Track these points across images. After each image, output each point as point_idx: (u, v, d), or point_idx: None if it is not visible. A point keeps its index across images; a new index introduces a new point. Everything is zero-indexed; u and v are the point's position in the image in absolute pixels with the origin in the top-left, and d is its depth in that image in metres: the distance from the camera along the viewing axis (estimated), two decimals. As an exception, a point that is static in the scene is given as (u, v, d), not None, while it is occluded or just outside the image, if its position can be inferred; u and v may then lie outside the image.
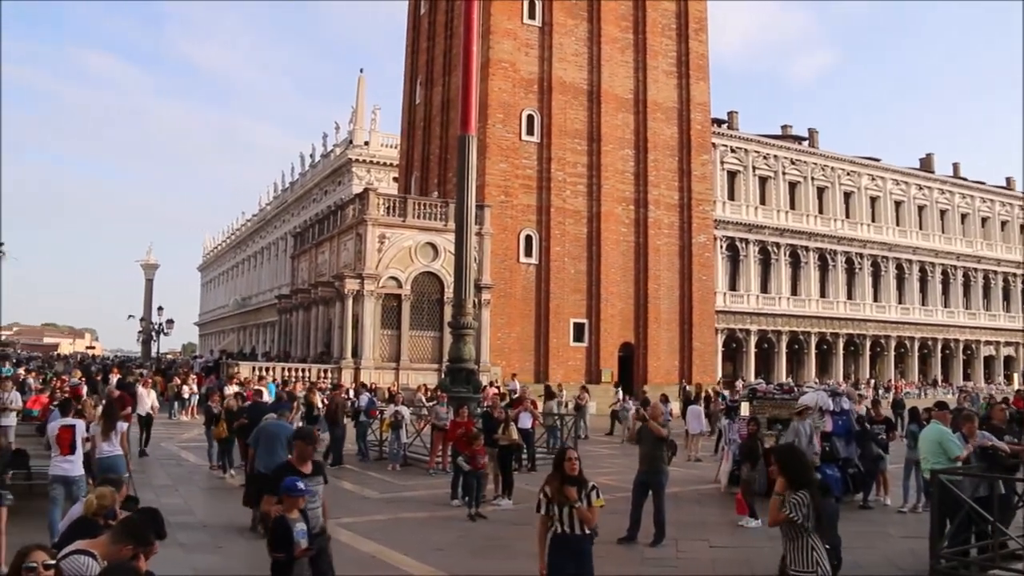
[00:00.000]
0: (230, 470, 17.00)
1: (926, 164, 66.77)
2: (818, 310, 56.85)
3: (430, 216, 36.40)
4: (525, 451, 18.32)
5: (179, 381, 32.70)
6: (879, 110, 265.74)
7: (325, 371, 34.34)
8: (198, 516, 12.91)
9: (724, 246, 52.84)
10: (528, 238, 39.75)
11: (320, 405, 22.56)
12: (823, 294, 57.70)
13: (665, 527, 11.22)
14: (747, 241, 53.93)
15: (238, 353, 57.55)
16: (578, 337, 40.57)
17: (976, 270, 65.42)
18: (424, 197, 39.37)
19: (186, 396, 31.57)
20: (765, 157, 55.70)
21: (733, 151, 54.24)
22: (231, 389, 23.71)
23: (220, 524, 12.21)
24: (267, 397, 21.79)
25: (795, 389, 19.63)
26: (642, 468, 11.61)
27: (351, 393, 25.88)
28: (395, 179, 53.82)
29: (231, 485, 15.60)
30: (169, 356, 75.62)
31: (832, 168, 58.82)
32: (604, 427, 29.65)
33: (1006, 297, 67.45)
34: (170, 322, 49.65)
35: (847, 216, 59.30)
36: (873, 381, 55.38)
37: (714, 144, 50.17)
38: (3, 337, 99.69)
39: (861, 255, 59.18)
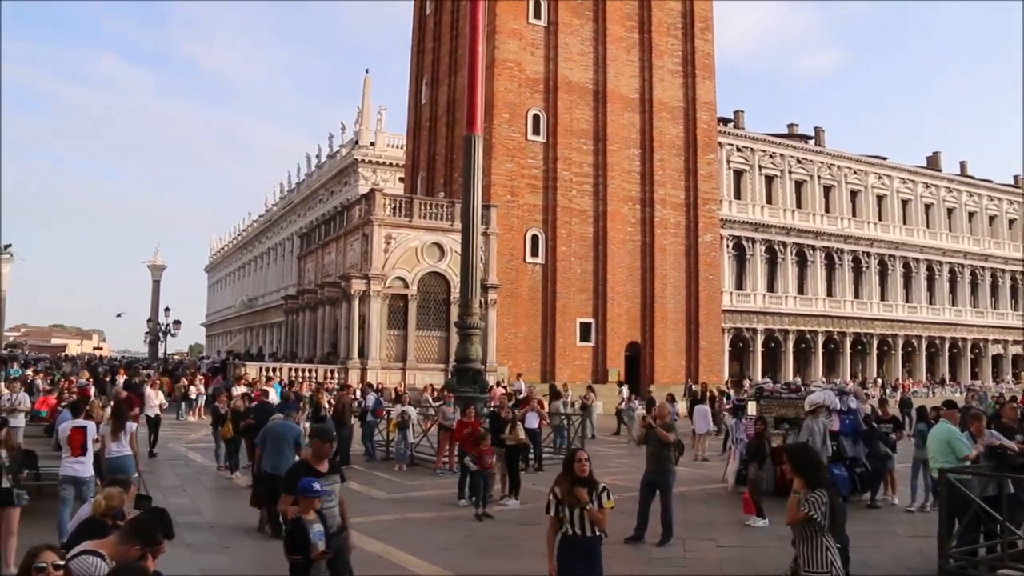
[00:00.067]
0: (237, 471, 17.03)
1: (933, 162, 66.62)
2: (825, 309, 56.73)
3: (436, 216, 36.41)
4: (532, 451, 18.31)
5: (186, 382, 32.80)
6: (885, 108, 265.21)
7: (332, 371, 34.38)
8: (205, 516, 12.94)
9: (730, 245, 52.77)
10: (534, 238, 39.75)
11: (327, 405, 22.57)
12: (830, 293, 57.59)
13: (672, 527, 11.21)
14: (753, 240, 53.85)
15: (245, 354, 57.66)
16: (584, 337, 40.55)
17: (984, 268, 65.24)
18: (430, 197, 39.37)
19: (193, 397, 31.66)
20: (771, 156, 55.61)
21: (739, 150, 54.18)
22: (239, 390, 23.74)
23: (227, 524, 12.24)
24: (273, 397, 21.90)
25: (802, 388, 19.60)
26: (649, 468, 11.60)
27: (358, 393, 25.91)
28: (401, 179, 53.85)
29: (238, 485, 15.63)
30: (176, 357, 75.81)
31: (839, 167, 58.69)
32: (611, 427, 29.65)
33: (1014, 295, 67.24)
34: (177, 323, 49.72)
35: (854, 215, 59.18)
36: (880, 380, 55.21)
37: (720, 143, 50.15)
38: (11, 338, 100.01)
39: (868, 254, 59.06)
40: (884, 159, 62.01)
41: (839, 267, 57.89)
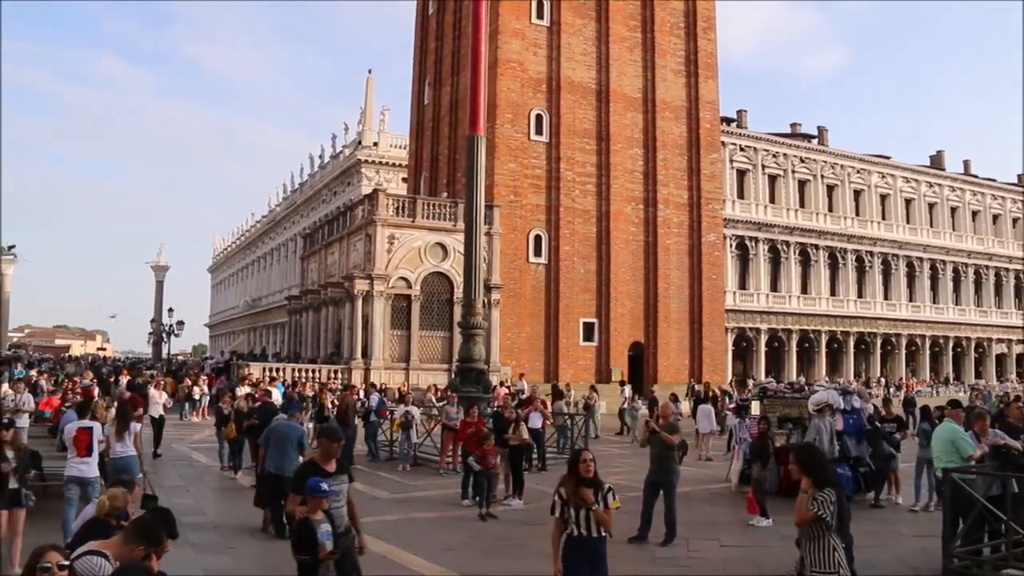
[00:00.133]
0: (239, 471, 17.06)
1: (936, 161, 66.54)
2: (828, 308, 56.67)
3: (439, 216, 36.41)
4: (535, 451, 18.32)
5: (190, 382, 32.82)
6: (889, 108, 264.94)
7: (335, 372, 34.40)
8: (209, 517, 12.95)
9: (734, 245, 52.73)
10: (537, 238, 39.75)
11: (330, 406, 22.62)
12: (833, 292, 57.54)
13: (676, 526, 11.21)
14: (757, 240, 53.80)
15: (248, 354, 57.74)
16: (588, 337, 40.54)
17: (987, 267, 65.15)
18: (433, 197, 39.38)
19: (197, 397, 31.69)
20: (774, 155, 55.56)
21: (742, 149, 54.13)
22: (243, 390, 23.78)
23: (231, 525, 12.26)
24: (276, 398, 21.94)
25: (806, 388, 19.58)
26: (653, 468, 11.60)
27: (361, 394, 25.93)
28: (404, 180, 53.88)
29: (242, 486, 15.64)
30: (180, 357, 75.91)
31: (842, 166, 58.64)
32: (615, 426, 29.65)
33: (1017, 294, 67.13)
34: (180, 323, 49.78)
35: (857, 214, 59.11)
36: (884, 380, 55.15)
37: (723, 143, 50.10)
38: (15, 339, 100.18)
39: (871, 253, 59.00)
40: (887, 158, 61.93)
41: (842, 266, 57.83)
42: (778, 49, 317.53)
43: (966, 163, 68.61)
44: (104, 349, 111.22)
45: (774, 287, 54.99)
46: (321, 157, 71.90)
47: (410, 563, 9.99)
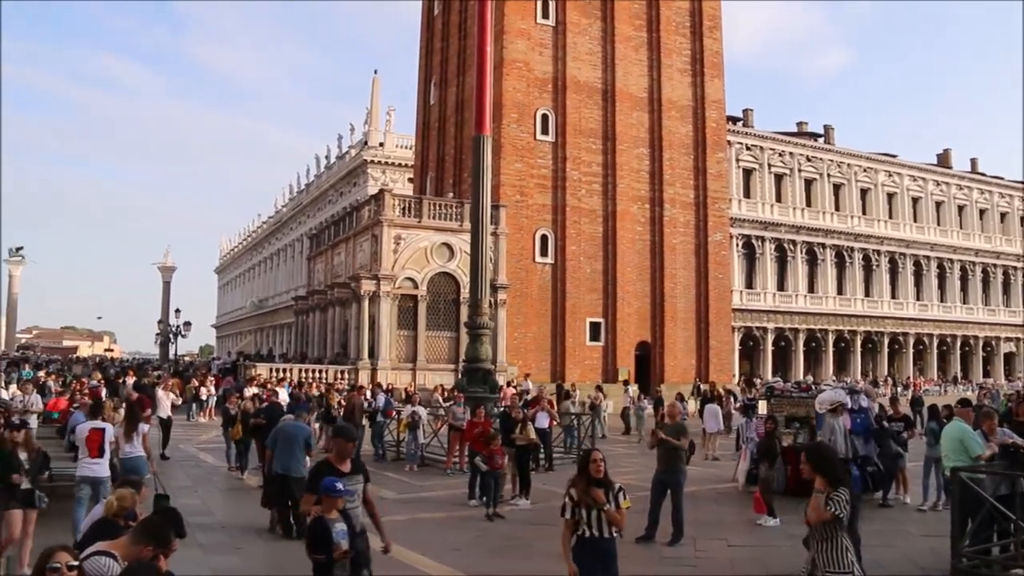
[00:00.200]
0: (246, 471, 17.09)
1: (943, 160, 66.40)
2: (835, 307, 56.59)
3: (445, 216, 36.43)
4: (542, 451, 18.32)
5: (197, 383, 32.87)
6: (895, 106, 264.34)
7: (342, 372, 34.44)
8: (217, 517, 12.97)
9: (740, 244, 52.69)
10: (544, 238, 39.75)
11: (337, 405, 22.64)
12: (840, 291, 57.46)
13: (683, 526, 11.19)
14: (763, 239, 53.76)
15: (255, 355, 57.87)
16: (594, 336, 40.53)
17: (995, 266, 64.99)
18: (439, 198, 39.40)
19: (204, 398, 31.73)
20: (781, 154, 55.51)
21: (748, 149, 54.09)
22: (251, 391, 23.80)
23: (239, 525, 12.27)
24: (283, 398, 21.99)
25: (813, 387, 19.55)
26: (660, 467, 11.58)
27: (368, 394, 25.95)
28: (410, 180, 53.95)
29: (249, 486, 15.66)
30: (187, 358, 76.04)
31: (848, 165, 58.57)
32: (620, 426, 29.63)
33: (1026, 293, 66.98)
34: (187, 324, 49.91)
35: (864, 213, 59.04)
36: (891, 379, 55.06)
37: (729, 142, 50.07)
38: (23, 340, 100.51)
39: (878, 252, 58.90)
40: (894, 157, 61.82)
41: (849, 265, 57.75)
42: (784, 48, 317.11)
43: (973, 161, 68.45)
44: (112, 350, 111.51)
45: (781, 286, 54.95)
46: (327, 158, 72.01)
47: (417, 563, 9.99)
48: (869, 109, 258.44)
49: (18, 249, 78.54)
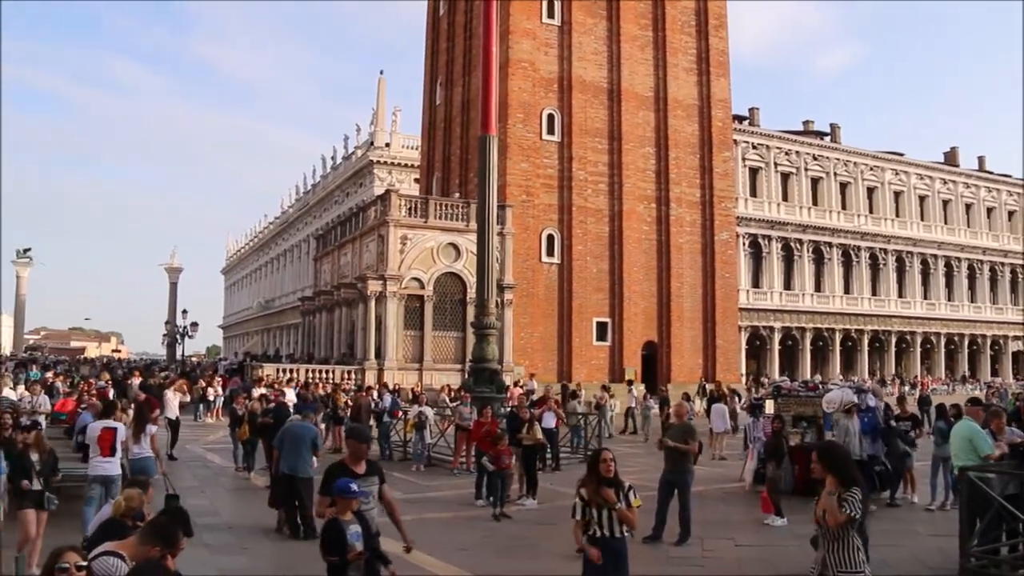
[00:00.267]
0: (252, 471, 17.12)
1: (951, 158, 66.20)
2: (842, 307, 56.47)
3: (452, 217, 36.45)
4: (549, 451, 18.32)
5: (204, 383, 32.93)
6: (902, 104, 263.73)
7: (349, 372, 34.48)
8: (224, 517, 13.00)
9: (747, 243, 52.62)
10: (550, 237, 39.73)
11: (344, 406, 22.69)
12: (847, 290, 57.35)
13: (690, 526, 11.19)
14: (770, 238, 53.67)
15: (262, 355, 57.96)
16: (601, 336, 40.50)
17: (1003, 264, 64.77)
18: (445, 198, 39.42)
19: (211, 398, 31.79)
20: (787, 153, 55.41)
21: (755, 147, 54.01)
22: (260, 391, 23.82)
23: (246, 525, 12.30)
24: (290, 398, 22.03)
25: (820, 387, 19.51)
26: (668, 467, 11.57)
27: (375, 395, 25.99)
28: (416, 180, 53.97)
29: (256, 487, 15.69)
30: (194, 359, 76.19)
31: (855, 163, 58.43)
32: (630, 425, 29.62)
33: (1034, 291, 66.77)
34: (194, 325, 49.98)
35: (871, 211, 58.91)
36: (899, 378, 54.94)
37: (735, 141, 50.00)
38: (31, 341, 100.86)
39: (885, 251, 58.76)
40: (901, 155, 61.67)
41: (856, 264, 57.62)
42: (790, 46, 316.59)
43: (980, 159, 68.17)
44: (119, 351, 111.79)
45: (787, 285, 54.86)
46: (333, 158, 72.11)
47: (424, 563, 9.99)
48: (875, 108, 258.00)
49: (26, 251, 78.85)
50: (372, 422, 20.97)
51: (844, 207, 57.65)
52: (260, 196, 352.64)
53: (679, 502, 11.25)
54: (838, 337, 56.45)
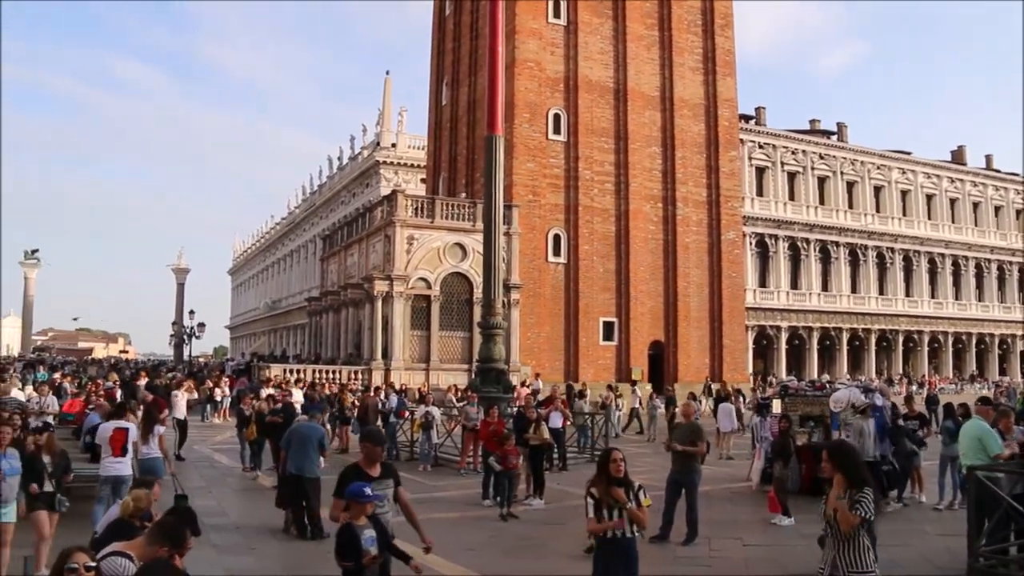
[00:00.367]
0: (258, 471, 17.15)
1: (958, 156, 66.02)
2: (849, 306, 56.37)
3: (458, 217, 36.45)
4: (556, 450, 18.32)
5: (211, 384, 32.98)
6: (909, 103, 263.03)
7: (356, 372, 34.50)
8: (231, 518, 13.02)
9: (753, 242, 52.55)
10: (556, 237, 39.71)
11: (351, 406, 22.71)
12: (854, 289, 57.24)
13: (698, 525, 11.17)
14: (776, 237, 53.60)
15: (269, 355, 58.05)
16: (608, 336, 40.47)
17: (1011, 263, 64.56)
18: (452, 198, 39.42)
19: (218, 399, 31.84)
20: (793, 152, 55.33)
21: (761, 147, 53.94)
22: (267, 391, 23.85)
23: (253, 526, 12.31)
24: (297, 398, 22.08)
25: (827, 386, 19.47)
26: (675, 467, 11.55)
27: (382, 395, 26.01)
28: (423, 180, 54.01)
29: (263, 487, 15.71)
30: (201, 359, 76.41)
31: (862, 162, 58.32)
32: (634, 425, 29.60)
33: (1042, 291, 66.52)
34: (201, 325, 50.12)
35: (877, 210, 58.80)
36: (907, 377, 54.80)
37: (742, 140, 49.92)
38: (38, 342, 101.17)
39: (892, 249, 58.63)
40: (908, 154, 61.55)
41: (863, 263, 57.50)
42: (796, 45, 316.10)
43: (988, 158, 67.97)
44: (126, 351, 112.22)
45: (794, 285, 54.79)
46: (340, 159, 72.17)
47: (431, 563, 9.95)
48: (882, 106, 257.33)
49: (33, 252, 79.22)
50: (379, 422, 20.99)
51: (851, 206, 57.55)
52: (265, 196, 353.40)
53: (686, 502, 11.23)
54: (845, 336, 56.35)
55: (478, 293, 31.50)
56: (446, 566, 9.89)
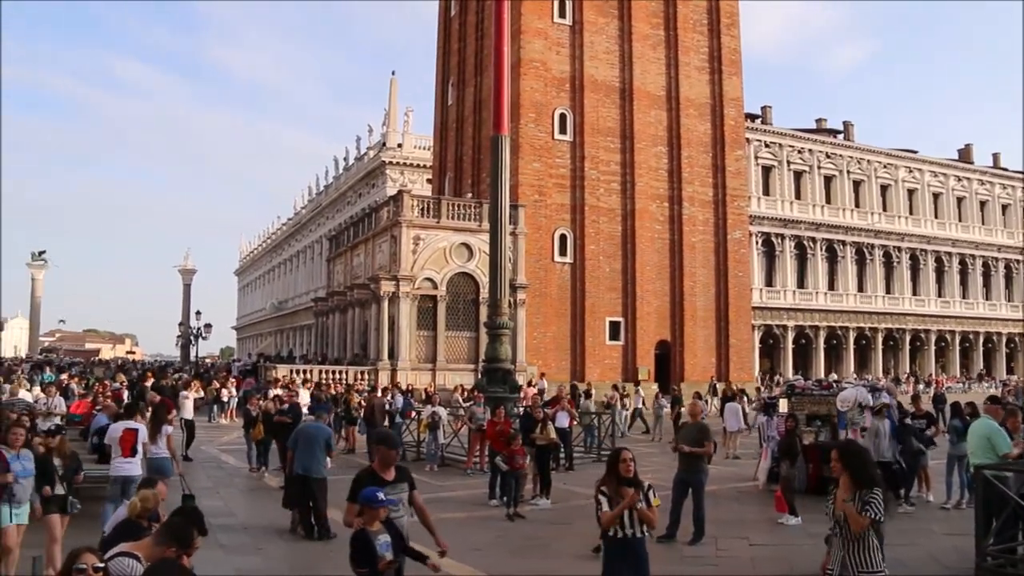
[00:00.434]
0: (264, 471, 17.18)
1: (965, 155, 65.78)
2: (856, 305, 56.22)
3: (464, 217, 36.46)
4: (563, 450, 18.32)
5: (218, 384, 33.04)
6: (916, 101, 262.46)
7: (362, 373, 34.53)
8: (239, 518, 13.05)
9: (760, 242, 52.46)
10: (562, 237, 39.70)
11: (357, 406, 22.74)
12: (861, 288, 57.09)
13: (704, 525, 11.17)
14: (783, 236, 53.49)
15: (276, 356, 58.13)
16: (614, 336, 40.43)
17: (1018, 262, 64.30)
18: (458, 198, 39.44)
19: (225, 399, 31.89)
20: (800, 151, 55.21)
21: (767, 146, 53.83)
22: (275, 392, 23.88)
23: (260, 526, 12.35)
24: (303, 398, 22.11)
25: (834, 385, 19.45)
26: (682, 466, 11.56)
27: (389, 395, 26.04)
28: (429, 180, 54.00)
29: (271, 487, 15.74)
30: (207, 360, 76.55)
31: (868, 161, 58.16)
32: (640, 425, 29.61)
33: (1050, 289, 66.25)
34: (208, 326, 50.22)
35: (884, 209, 58.63)
36: (914, 376, 54.66)
37: (748, 139, 49.85)
38: (46, 343, 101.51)
39: (899, 248, 58.46)
40: (915, 152, 61.35)
41: (870, 262, 57.35)
42: (802, 44, 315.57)
43: (995, 156, 67.67)
44: (133, 352, 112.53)
45: (801, 284, 54.66)
46: (346, 159, 72.22)
47: (438, 563, 9.99)
48: (889, 105, 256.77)
49: (40, 253, 79.50)
50: (386, 422, 21.02)
51: (857, 205, 57.39)
52: (271, 197, 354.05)
53: (693, 501, 11.24)
54: (852, 335, 56.22)
55: (484, 293, 31.53)
56: (453, 566, 9.88)
